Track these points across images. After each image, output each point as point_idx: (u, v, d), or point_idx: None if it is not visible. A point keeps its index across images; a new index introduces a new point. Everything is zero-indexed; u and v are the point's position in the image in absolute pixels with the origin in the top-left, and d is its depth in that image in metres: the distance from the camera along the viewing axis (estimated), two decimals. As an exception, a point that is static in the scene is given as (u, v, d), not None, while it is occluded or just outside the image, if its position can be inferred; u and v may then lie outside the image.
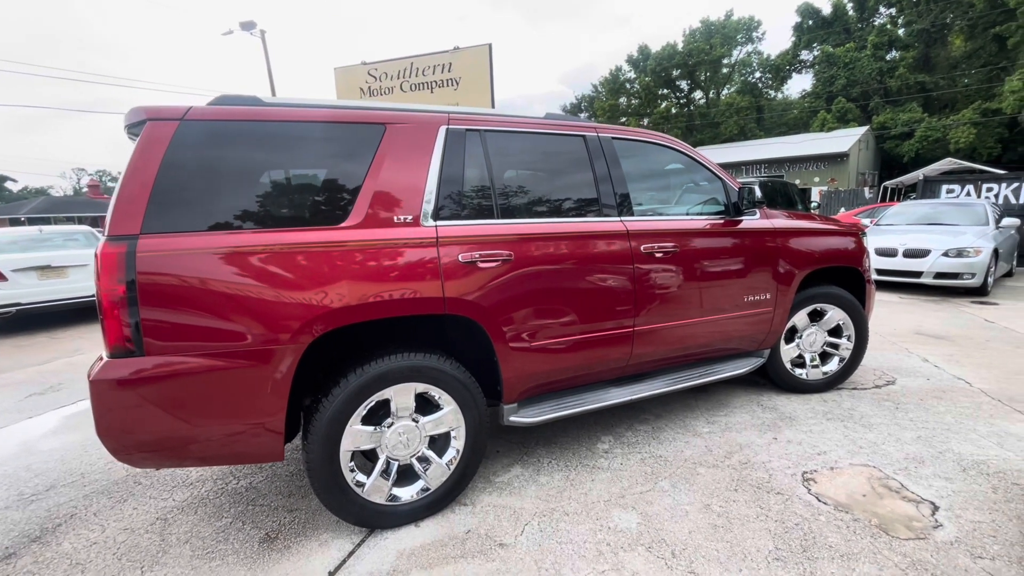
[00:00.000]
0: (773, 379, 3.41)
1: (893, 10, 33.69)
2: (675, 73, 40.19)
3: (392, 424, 2.11)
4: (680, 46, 39.43)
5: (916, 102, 30.44)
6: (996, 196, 9.28)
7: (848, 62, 32.22)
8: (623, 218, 2.59)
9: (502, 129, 2.41)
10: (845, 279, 3.49)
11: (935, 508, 2.14)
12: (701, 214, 2.92)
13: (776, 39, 60.26)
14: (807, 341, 3.40)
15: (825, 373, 3.44)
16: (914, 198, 10.46)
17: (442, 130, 2.26)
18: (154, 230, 1.73)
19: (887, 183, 21.67)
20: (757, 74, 39.47)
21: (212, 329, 1.78)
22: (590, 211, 2.55)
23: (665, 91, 41.73)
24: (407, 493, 2.18)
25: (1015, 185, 9.18)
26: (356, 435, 2.04)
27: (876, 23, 34.06)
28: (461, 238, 2.16)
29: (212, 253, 1.77)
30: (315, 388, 2.13)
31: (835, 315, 3.36)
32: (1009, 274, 8.33)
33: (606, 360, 2.59)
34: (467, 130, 2.32)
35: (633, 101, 42.37)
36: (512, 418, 2.39)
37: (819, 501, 2.22)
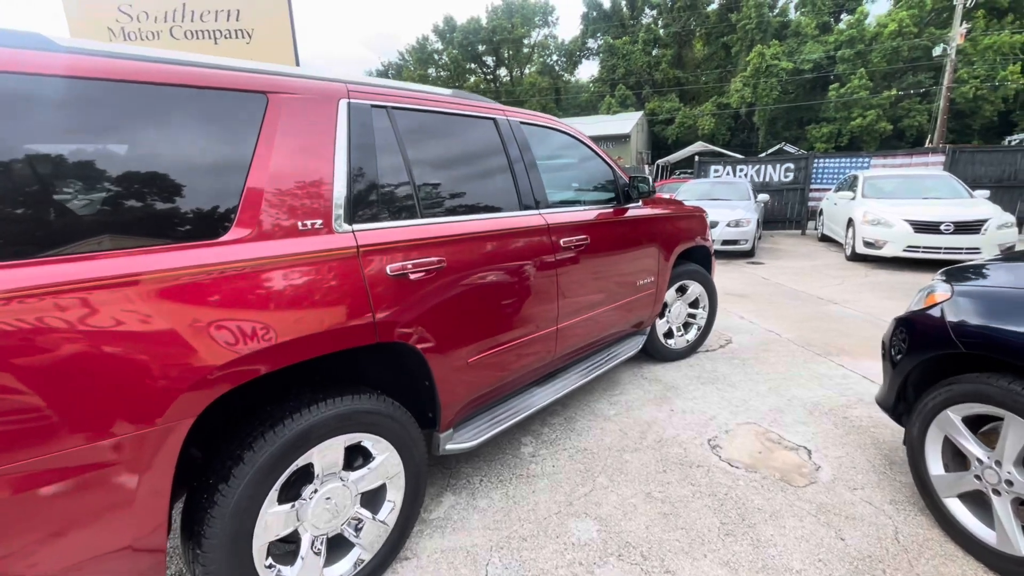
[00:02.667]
0: (649, 351, 3.71)
1: (655, 12, 39.66)
2: (481, 48, 40.99)
3: (316, 492, 1.63)
4: (484, 21, 40.21)
5: (675, 93, 36.74)
6: (746, 175, 11.74)
7: (625, 54, 37.03)
8: (541, 211, 2.42)
9: (412, 107, 1.99)
10: (697, 255, 3.95)
11: (809, 452, 2.57)
12: (599, 203, 2.92)
13: (568, 25, 65.88)
14: (675, 314, 3.78)
15: (688, 341, 3.88)
16: (689, 175, 12.59)
17: (343, 104, 1.74)
18: None
19: (659, 161, 25.92)
20: (554, 57, 42.70)
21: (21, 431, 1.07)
22: (511, 205, 2.31)
23: (472, 66, 42.35)
24: (338, 571, 1.74)
25: (757, 167, 11.75)
26: (272, 521, 1.51)
27: (644, 22, 39.68)
28: (386, 245, 1.73)
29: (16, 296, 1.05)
30: (194, 473, 1.51)
31: (695, 289, 3.79)
32: (759, 238, 10.71)
33: (535, 362, 2.45)
34: (372, 106, 1.84)
35: (442, 73, 42.02)
36: (448, 446, 2.09)
37: (731, 466, 2.47)
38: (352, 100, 1.78)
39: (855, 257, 7.63)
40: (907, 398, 2.18)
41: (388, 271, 1.71)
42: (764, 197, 9.38)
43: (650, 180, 3.00)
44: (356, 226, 1.68)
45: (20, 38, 1.23)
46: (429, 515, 2.19)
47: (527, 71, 42.46)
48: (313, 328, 1.50)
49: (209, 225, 1.38)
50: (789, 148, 23.44)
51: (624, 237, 2.95)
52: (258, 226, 1.46)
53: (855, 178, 8.58)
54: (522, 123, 2.50)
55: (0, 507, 1.06)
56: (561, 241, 2.45)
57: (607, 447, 2.68)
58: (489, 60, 42.46)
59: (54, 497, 1.12)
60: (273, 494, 1.49)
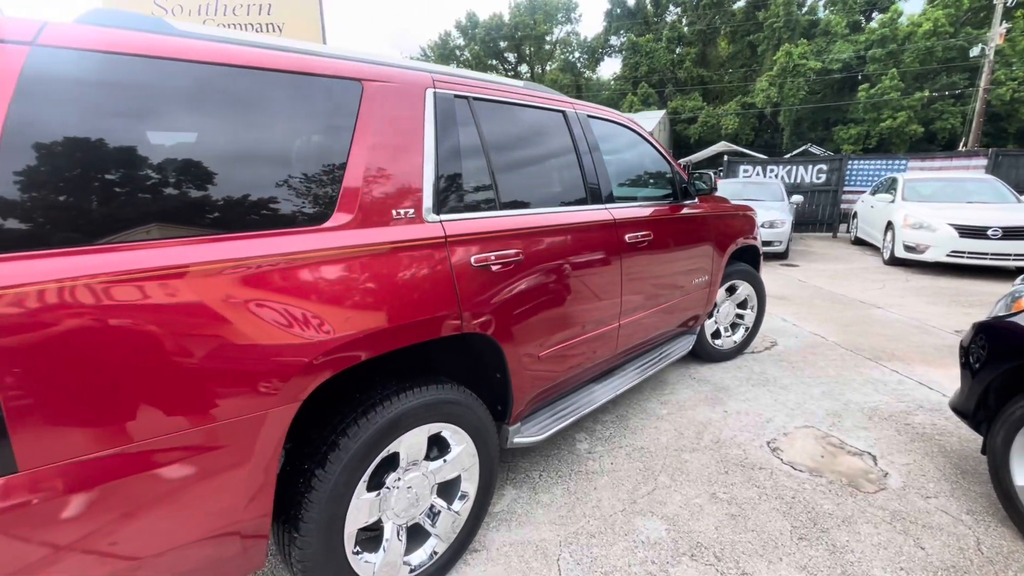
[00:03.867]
0: (696, 351, 3.65)
1: (679, 10, 39.14)
2: (503, 45, 40.89)
3: (399, 480, 1.63)
4: (506, 18, 40.09)
5: (698, 92, 36.25)
6: (776, 176, 11.54)
7: (648, 51, 36.62)
8: (607, 206, 2.40)
9: (490, 98, 1.98)
10: (746, 255, 3.88)
11: (875, 458, 2.51)
12: (658, 199, 2.88)
13: (591, 22, 65.37)
14: (723, 314, 3.72)
15: (735, 342, 3.82)
16: (721, 175, 12.41)
17: (429, 94, 1.74)
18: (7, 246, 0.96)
19: (681, 161, 25.65)
20: (576, 54, 42.42)
21: (130, 409, 1.08)
22: (579, 199, 2.29)
23: (494, 62, 42.28)
24: (416, 559, 1.74)
25: (788, 168, 11.53)
26: (361, 508, 1.52)
27: (668, 19, 39.20)
28: (470, 236, 1.72)
29: (133, 280, 1.06)
30: (290, 457, 1.52)
31: (745, 289, 3.73)
32: (790, 240, 10.53)
33: (598, 358, 2.43)
34: (455, 96, 1.83)
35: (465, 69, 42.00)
36: (516, 439, 2.08)
37: (795, 469, 2.42)
38: (437, 90, 1.77)
39: (894, 261, 7.45)
40: (988, 406, 2.11)
41: (472, 262, 1.71)
42: (797, 198, 9.21)
43: (711, 177, 2.95)
44: (443, 216, 1.68)
45: (146, 22, 1.24)
46: (493, 508, 2.19)
47: (548, 68, 42.28)
48: (410, 316, 1.50)
49: (314, 211, 1.38)
50: (815, 149, 23.02)
51: (683, 234, 2.90)
52: (357, 213, 1.46)
53: (894, 180, 8.37)
54: (589, 116, 2.47)
55: (122, 487, 1.07)
56: (626, 237, 2.42)
57: (664, 446, 2.65)
58: (511, 57, 42.37)
59: (174, 478, 1.14)
60: (364, 481, 1.50)
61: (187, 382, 1.12)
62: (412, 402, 1.57)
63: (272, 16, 14.09)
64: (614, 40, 40.94)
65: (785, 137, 30.66)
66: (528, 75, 43.06)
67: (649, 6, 39.63)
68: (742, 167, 11.98)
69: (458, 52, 41.80)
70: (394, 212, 1.55)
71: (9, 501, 0.95)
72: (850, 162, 10.96)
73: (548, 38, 41.42)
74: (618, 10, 39.80)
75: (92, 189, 1.06)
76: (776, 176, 11.47)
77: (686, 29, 38.19)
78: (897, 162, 10.51)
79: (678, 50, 37.57)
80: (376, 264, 1.45)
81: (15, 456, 0.95)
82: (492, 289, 1.77)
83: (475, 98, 1.91)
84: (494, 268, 1.78)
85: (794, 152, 24.13)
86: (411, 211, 1.59)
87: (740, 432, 2.77)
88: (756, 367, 3.68)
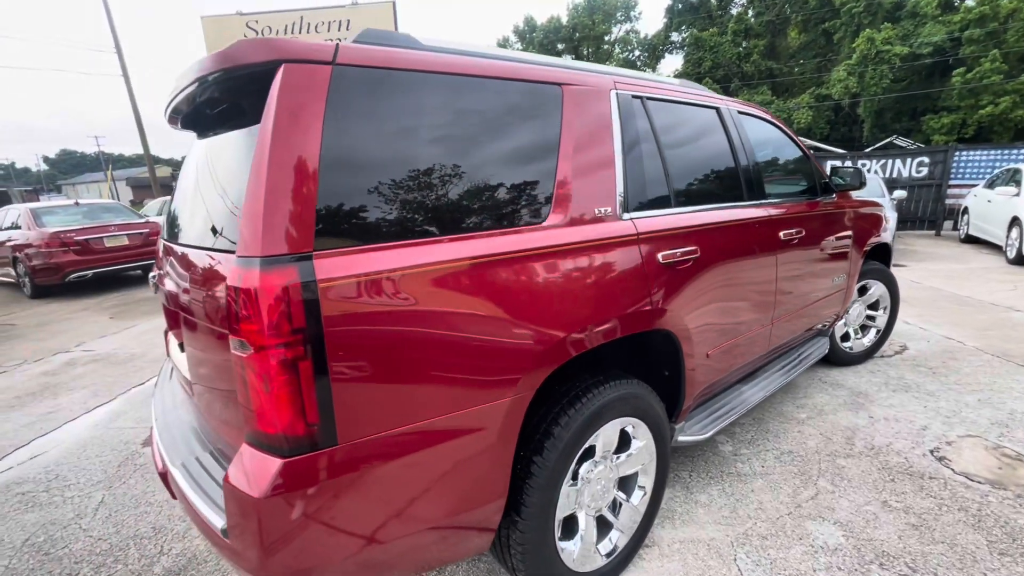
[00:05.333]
0: (827, 355, 3.49)
1: (745, 1, 37.57)
2: (560, 47, 40.85)
3: (591, 472, 1.67)
4: (565, 20, 40.05)
5: (766, 86, 34.60)
6: (868, 171, 10.80)
7: (712, 46, 35.38)
8: (762, 202, 2.35)
9: (659, 97, 1.99)
10: (877, 253, 3.67)
11: (1063, 472, 2.30)
12: (802, 195, 2.79)
13: (650, 19, 64.22)
14: (852, 315, 3.54)
15: (865, 345, 3.62)
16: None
17: (613, 96, 1.78)
18: (329, 245, 1.08)
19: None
20: (636, 52, 41.69)
21: (419, 390, 1.19)
22: (739, 196, 2.26)
23: (551, 65, 42.33)
24: (603, 548, 1.78)
25: (882, 161, 10.78)
26: (568, 496, 1.58)
27: (734, 12, 37.72)
28: (657, 233, 1.75)
29: (416, 274, 1.16)
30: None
31: (877, 289, 3.52)
32: (893, 239, 9.85)
33: (751, 356, 2.39)
34: (632, 96, 1.86)
35: (521, 73, 42.29)
36: (681, 437, 2.08)
37: (971, 481, 2.26)
38: (619, 91, 1.81)
39: (1020, 260, 6.78)
40: None
41: (660, 259, 1.73)
42: (901, 193, 8.56)
43: (863, 172, 2.82)
44: (632, 214, 1.71)
45: (399, 39, 1.36)
46: (651, 505, 2.19)
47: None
48: (620, 311, 1.55)
49: (535, 210, 1.46)
50: (901, 142, 21.33)
51: (827, 231, 2.79)
52: (568, 211, 1.52)
53: (1017, 171, 7.61)
54: (739, 112, 2.43)
55: (412, 460, 1.17)
56: (781, 234, 2.36)
57: (814, 451, 2.55)
58: (569, 59, 42.22)
59: (449, 455, 1.23)
60: (571, 470, 1.55)
61: (466, 365, 1.22)
62: (611, 395, 1.61)
63: (351, 32, 14.90)
64: (675, 36, 39.89)
65: (866, 129, 28.64)
66: (586, 76, 42.70)
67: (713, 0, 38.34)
68: (829, 162, 11.30)
69: (516, 57, 42.17)
70: (596, 210, 1.60)
71: (327, 469, 1.07)
72: (957, 153, 10.08)
73: (607, 38, 40.98)
74: (679, 5, 38.77)
75: (391, 194, 1.18)
76: (868, 171, 10.73)
77: (753, 20, 36.60)
78: (1015, 151, 9.55)
79: (744, 43, 36.07)
80: (590, 261, 1.51)
81: (336, 432, 1.07)
82: (675, 286, 1.79)
83: (648, 98, 1.93)
84: (677, 265, 1.79)
85: (876, 145, 22.48)
86: (608, 209, 1.63)
87: (895, 439, 2.62)
88: (891, 372, 3.47)
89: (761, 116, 2.65)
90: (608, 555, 1.76)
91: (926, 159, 10.35)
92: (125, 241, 7.48)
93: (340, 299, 1.05)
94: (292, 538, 1.06)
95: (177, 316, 1.52)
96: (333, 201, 1.09)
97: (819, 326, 3.04)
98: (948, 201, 10.19)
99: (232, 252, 1.10)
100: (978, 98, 24.47)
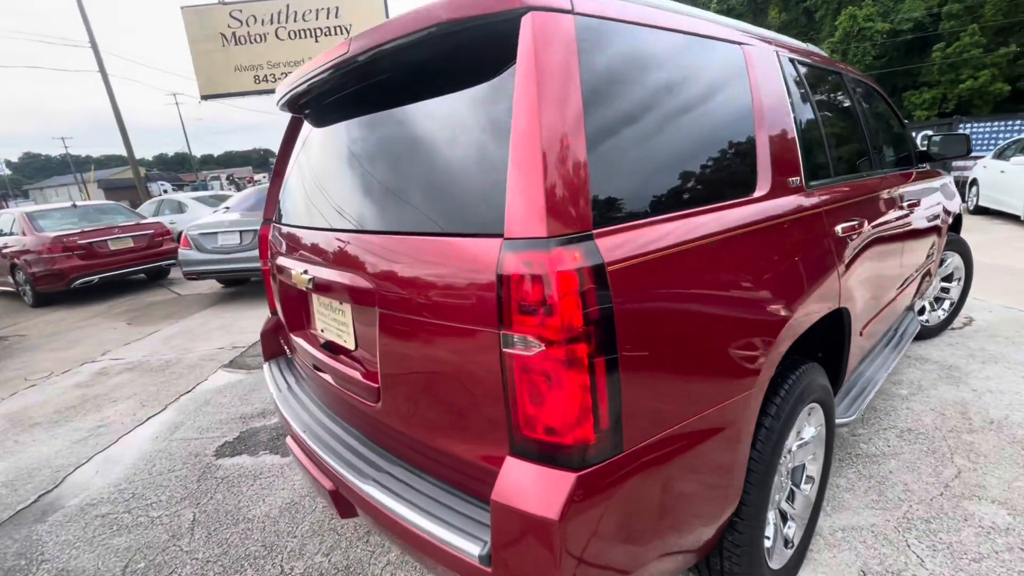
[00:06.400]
0: (901, 329, 3.44)
1: (726, -20, 37.49)
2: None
3: (783, 463, 1.56)
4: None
5: (750, 66, 34.68)
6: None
7: (696, 27, 35.28)
8: (887, 171, 2.25)
9: (808, 62, 1.86)
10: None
11: None
12: (905, 165, 2.69)
13: None
14: (928, 288, 3.48)
15: (939, 318, 3.58)
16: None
17: (774, 56, 1.63)
18: (604, 222, 0.93)
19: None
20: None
21: (689, 380, 1.05)
22: (869, 164, 2.15)
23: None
24: (784, 543, 1.67)
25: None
26: (779, 487, 1.46)
27: (714, -8, 37.63)
28: (832, 204, 1.62)
29: (690, 250, 1.02)
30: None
31: (954, 261, 3.47)
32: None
33: (883, 332, 2.30)
34: (789, 59, 1.73)
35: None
36: (838, 420, 1.98)
37: (1108, 449, 2.22)
38: (779, 50, 1.67)
39: (1040, 228, 6.86)
40: None
41: (839, 231, 1.61)
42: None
43: (969, 140, 2.73)
44: (813, 183, 1.58)
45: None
46: (792, 493, 2.10)
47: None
48: (823, 286, 1.43)
49: (747, 181, 1.32)
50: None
51: (930, 200, 2.71)
52: (770, 182, 1.38)
53: (1031, 141, 7.69)
54: (852, 76, 2.31)
55: (681, 460, 1.04)
56: (906, 203, 2.27)
57: (933, 427, 2.48)
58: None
59: (712, 449, 1.10)
60: (779, 463, 1.44)
61: (733, 349, 1.09)
62: (806, 380, 1.49)
63: (340, 19, 14.39)
64: (657, 18, 39.67)
65: (850, 107, 28.95)
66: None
67: (694, -20, 38.19)
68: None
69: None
70: (790, 180, 1.46)
71: (614, 483, 0.93)
72: (960, 126, 10.19)
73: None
74: (661, -13, 38.52)
75: (648, 160, 1.03)
76: (874, 146, 10.79)
77: (734, 0, 36.59)
78: (1019, 122, 9.68)
79: (727, 23, 36.05)
80: (802, 234, 1.38)
81: (623, 438, 0.93)
82: (847, 259, 1.67)
83: (799, 61, 1.80)
84: (849, 238, 1.68)
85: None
86: (797, 180, 1.50)
87: (1010, 411, 2.57)
88: (971, 343, 3.43)
89: (869, 84, 2.54)
90: (788, 544, 1.66)
91: (929, 132, 10.42)
92: (130, 243, 7.12)
93: (626, 283, 0.91)
94: (581, 563, 0.92)
95: (339, 311, 1.35)
96: (602, 170, 0.94)
97: (913, 299, 2.97)
98: (953, 174, 10.30)
99: (477, 235, 0.94)
100: (958, 72, 24.86)
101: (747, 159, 1.32)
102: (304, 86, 1.42)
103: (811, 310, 1.38)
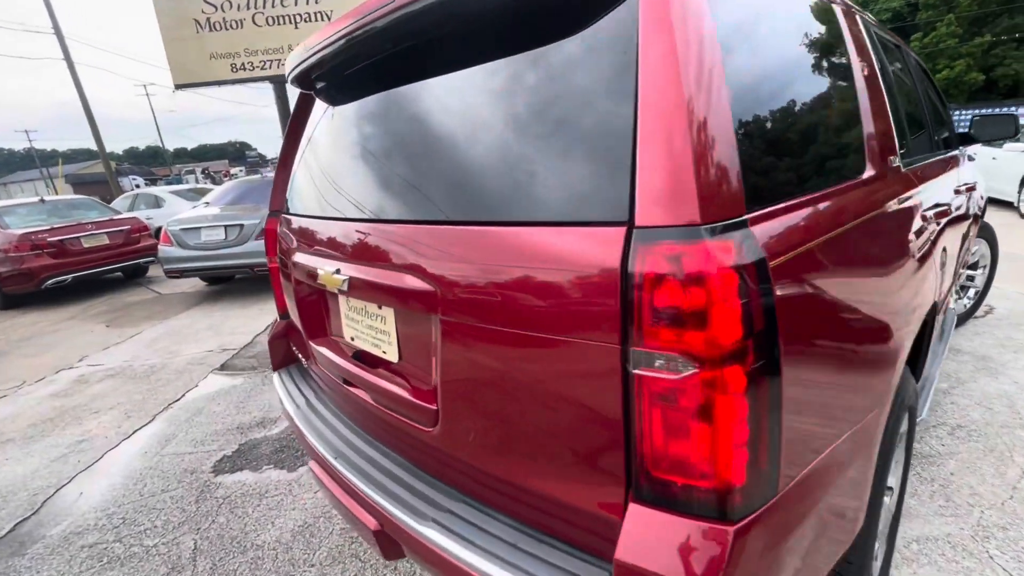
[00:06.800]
0: (927, 319, 3.34)
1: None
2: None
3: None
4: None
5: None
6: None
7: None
8: (943, 153, 2.10)
9: (878, 28, 1.69)
10: (972, 211, 3.51)
11: None
12: (950, 147, 2.55)
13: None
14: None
15: (965, 307, 3.49)
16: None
17: (860, 19, 1.45)
18: (757, 205, 0.73)
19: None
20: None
21: (843, 394, 0.87)
22: (927, 146, 1.99)
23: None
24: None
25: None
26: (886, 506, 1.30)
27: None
28: (922, 187, 1.46)
29: (837, 237, 0.84)
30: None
31: (980, 249, 3.38)
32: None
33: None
34: (864, 22, 1.54)
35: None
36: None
37: None
38: (859, 13, 1.48)
39: (1034, 215, 6.90)
40: None
41: (932, 216, 1.44)
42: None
43: (1017, 120, 2.59)
44: (903, 161, 1.41)
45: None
46: (853, 500, 1.95)
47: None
48: (933, 276, 1.27)
49: (858, 164, 1.13)
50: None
51: (964, 186, 2.58)
52: (875, 164, 1.20)
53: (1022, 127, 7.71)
54: (909, 52, 2.15)
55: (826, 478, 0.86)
56: (963, 186, 2.13)
57: (984, 423, 2.37)
58: None
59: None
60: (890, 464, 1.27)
61: (876, 360, 0.90)
62: (908, 383, 1.33)
63: (320, 5, 13.85)
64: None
65: (831, 97, 29.30)
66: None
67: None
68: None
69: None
70: (890, 160, 1.29)
71: (771, 529, 0.74)
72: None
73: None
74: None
75: (794, 131, 0.83)
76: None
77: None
78: (1005, 110, 9.75)
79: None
80: (904, 216, 1.21)
81: (779, 476, 0.74)
82: (937, 247, 1.51)
83: (872, 25, 1.62)
84: (937, 223, 1.51)
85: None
86: (895, 160, 1.33)
87: (1058, 404, 2.47)
88: (998, 333, 3.35)
89: (916, 57, 2.39)
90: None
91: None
92: (105, 240, 6.70)
93: (788, 281, 0.72)
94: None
95: (377, 317, 1.14)
96: (748, 142, 0.74)
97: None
98: (941, 161, 10.37)
99: (587, 224, 0.74)
100: (935, 62, 25.26)
101: (855, 134, 1.14)
102: (330, 51, 1.18)
103: (925, 302, 1.21)
